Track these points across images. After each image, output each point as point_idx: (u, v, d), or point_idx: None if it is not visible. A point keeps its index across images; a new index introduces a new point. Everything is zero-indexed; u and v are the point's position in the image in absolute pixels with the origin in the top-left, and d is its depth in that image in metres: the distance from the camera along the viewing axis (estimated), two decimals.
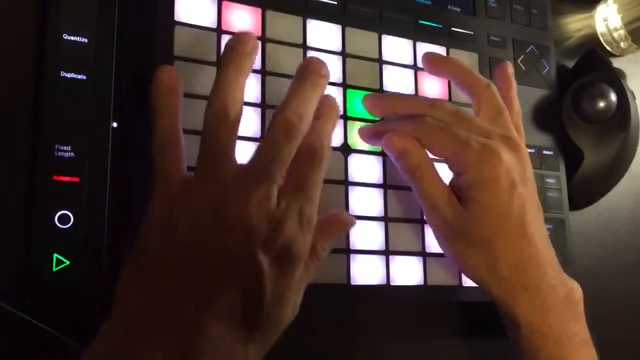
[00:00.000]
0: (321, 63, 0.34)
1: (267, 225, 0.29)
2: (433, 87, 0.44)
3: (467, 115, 0.38)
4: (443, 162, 0.38)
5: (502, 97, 0.41)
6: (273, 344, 0.30)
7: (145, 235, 0.30)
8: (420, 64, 0.43)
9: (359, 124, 0.40)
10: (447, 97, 0.44)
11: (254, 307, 0.29)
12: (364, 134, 0.39)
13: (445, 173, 0.38)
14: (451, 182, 0.38)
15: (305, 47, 0.40)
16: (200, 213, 0.29)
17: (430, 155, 0.38)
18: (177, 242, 0.29)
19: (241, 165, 0.31)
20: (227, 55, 0.32)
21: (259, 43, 0.33)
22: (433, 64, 0.42)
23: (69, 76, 0.32)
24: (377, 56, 0.42)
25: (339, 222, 0.35)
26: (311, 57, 0.35)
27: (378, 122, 0.40)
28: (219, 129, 0.31)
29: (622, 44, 0.55)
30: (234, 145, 0.31)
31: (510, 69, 0.43)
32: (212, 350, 0.27)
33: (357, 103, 0.40)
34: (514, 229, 0.36)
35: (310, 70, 0.33)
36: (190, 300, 0.28)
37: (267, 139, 0.31)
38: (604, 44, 0.56)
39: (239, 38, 0.33)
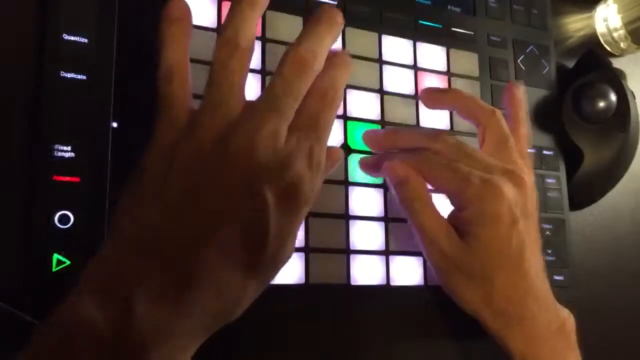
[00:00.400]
0: (336, 10, 0.33)
1: (275, 160, 0.28)
2: (433, 86, 0.44)
3: (468, 149, 0.37)
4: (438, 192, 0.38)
5: (510, 119, 0.41)
6: (270, 282, 0.30)
7: (145, 162, 0.29)
8: (420, 64, 0.43)
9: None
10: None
11: (256, 242, 0.28)
12: (365, 166, 0.39)
13: (442, 205, 0.38)
14: (450, 215, 0.38)
15: None
16: (203, 142, 0.28)
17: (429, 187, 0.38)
18: (177, 170, 0.28)
19: (250, 100, 0.30)
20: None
21: None
22: (433, 98, 0.41)
23: (69, 76, 0.32)
24: (377, 56, 0.42)
25: (332, 159, 0.34)
26: (326, 5, 0.34)
27: (380, 155, 0.40)
28: (231, 57, 0.30)
29: (622, 44, 0.55)
30: (245, 77, 0.30)
31: (519, 90, 0.42)
32: (210, 280, 0.26)
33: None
34: (512, 264, 0.36)
35: (326, 15, 0.32)
36: (188, 230, 0.27)
37: (278, 73, 0.30)
38: (604, 44, 0.56)
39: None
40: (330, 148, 0.33)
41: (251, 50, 0.31)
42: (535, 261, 0.37)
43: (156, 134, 0.29)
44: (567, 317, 0.38)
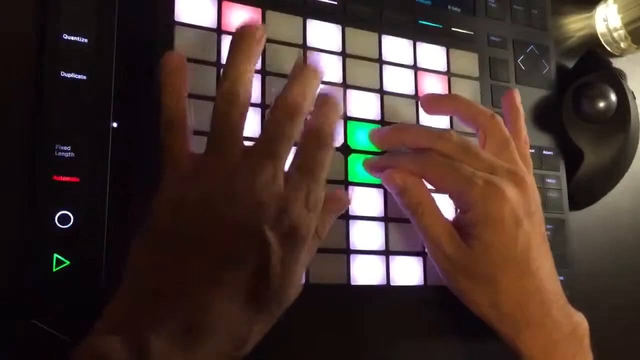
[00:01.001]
0: (318, 63, 0.35)
1: (274, 204, 0.30)
2: (433, 86, 0.44)
3: (473, 149, 0.37)
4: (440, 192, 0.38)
5: (509, 126, 0.41)
6: (275, 321, 0.31)
7: (155, 212, 0.30)
8: (420, 64, 0.43)
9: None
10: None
11: (261, 283, 0.29)
12: (369, 167, 0.39)
13: (447, 207, 0.38)
14: (455, 218, 0.38)
15: (305, 47, 0.40)
16: (209, 189, 0.29)
17: (430, 187, 0.38)
18: (186, 217, 0.29)
19: (248, 146, 0.31)
20: (237, 42, 0.33)
21: (265, 30, 0.34)
22: (433, 104, 0.41)
23: (69, 76, 0.32)
24: (377, 56, 0.42)
25: (338, 200, 0.36)
26: (309, 65, 0.35)
27: (384, 156, 0.40)
28: (231, 108, 0.31)
29: (622, 44, 0.55)
30: (243, 125, 0.32)
31: (517, 97, 0.42)
32: (219, 321, 0.27)
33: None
34: (518, 266, 0.36)
35: (308, 64, 0.34)
36: (198, 275, 0.28)
37: (271, 118, 0.32)
38: (604, 44, 0.56)
39: (247, 26, 0.33)
40: (339, 191, 0.36)
41: (248, 99, 0.32)
42: (543, 262, 0.37)
43: (163, 183, 0.31)
44: (580, 321, 0.38)
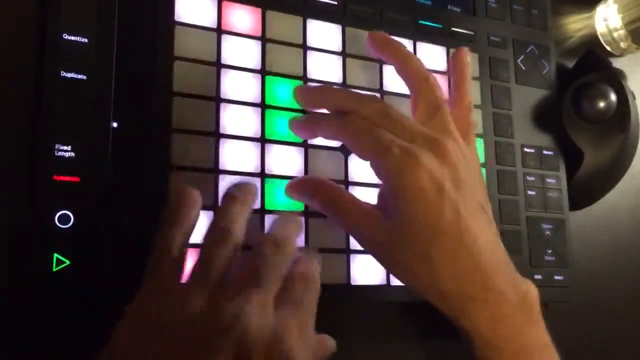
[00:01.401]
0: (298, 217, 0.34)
1: (266, 334, 0.27)
2: None
3: (394, 115, 0.35)
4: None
5: (452, 89, 0.39)
6: None
7: (125, 335, 0.27)
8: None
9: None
10: (447, 95, 0.44)
11: None
12: (294, 126, 0.38)
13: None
14: (377, 199, 0.37)
15: (305, 47, 0.40)
16: (192, 318, 0.27)
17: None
18: (165, 346, 0.26)
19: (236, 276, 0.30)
20: (231, 199, 0.32)
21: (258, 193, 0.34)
22: (376, 43, 0.40)
23: (69, 76, 0.32)
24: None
25: (323, 348, 0.32)
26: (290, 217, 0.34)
27: (307, 115, 0.38)
28: (223, 243, 0.30)
29: (622, 44, 0.55)
30: (231, 262, 0.30)
31: (467, 56, 0.40)
32: None
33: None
34: (450, 238, 0.33)
35: (291, 216, 0.34)
36: None
37: (257, 253, 0.30)
38: (604, 44, 0.56)
39: (242, 188, 0.33)
40: (323, 337, 0.32)
41: (240, 242, 0.31)
42: (480, 231, 0.34)
43: (139, 305, 0.28)
44: (529, 289, 0.35)
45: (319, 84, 0.39)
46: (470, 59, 0.41)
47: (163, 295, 0.28)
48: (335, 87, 0.39)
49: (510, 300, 0.34)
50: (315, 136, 0.38)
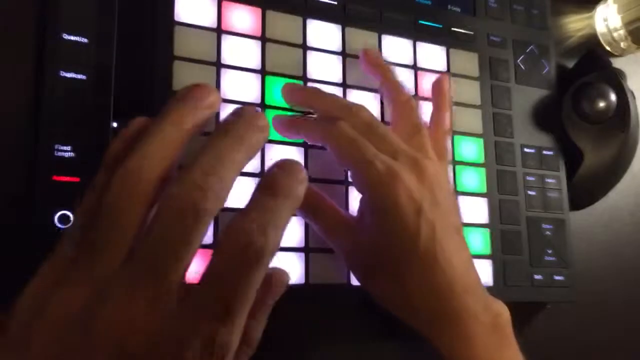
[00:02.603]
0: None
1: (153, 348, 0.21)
2: None
3: (381, 129, 0.36)
4: None
5: (434, 113, 0.40)
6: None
7: (15, 313, 0.22)
8: (420, 64, 0.43)
9: None
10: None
11: None
12: (278, 123, 0.37)
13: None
14: (358, 210, 0.37)
15: (305, 47, 0.40)
16: (67, 320, 0.21)
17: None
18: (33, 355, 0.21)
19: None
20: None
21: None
22: (367, 61, 0.41)
23: (69, 76, 0.32)
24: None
25: (274, 284, 0.28)
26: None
27: (292, 117, 0.38)
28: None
29: (622, 44, 0.55)
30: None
31: (447, 84, 0.41)
32: None
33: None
34: (424, 257, 0.33)
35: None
36: None
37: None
38: (604, 44, 0.56)
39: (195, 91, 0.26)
40: (275, 272, 0.28)
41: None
42: (454, 251, 0.34)
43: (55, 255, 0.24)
44: (501, 311, 0.35)
45: (308, 86, 0.39)
46: (449, 86, 0.42)
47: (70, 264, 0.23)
48: (324, 91, 0.38)
49: (483, 322, 0.34)
50: (298, 136, 0.38)
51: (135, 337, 0.21)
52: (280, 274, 0.29)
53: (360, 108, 0.37)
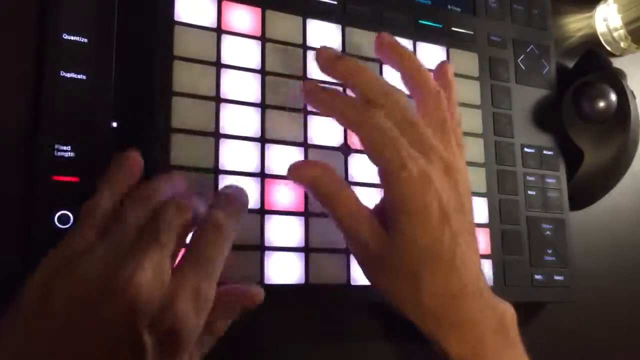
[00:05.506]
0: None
1: (157, 298, 0.27)
2: None
3: (414, 121, 0.34)
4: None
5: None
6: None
7: (24, 292, 0.27)
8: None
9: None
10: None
11: None
12: (311, 93, 0.36)
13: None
14: (377, 205, 0.36)
15: (305, 47, 0.40)
16: (84, 280, 0.26)
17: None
18: (51, 312, 0.26)
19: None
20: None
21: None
22: (385, 47, 0.37)
23: (69, 76, 0.32)
24: (377, 56, 0.42)
25: (246, 297, 0.33)
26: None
27: (327, 91, 0.35)
28: (134, 205, 0.30)
29: (622, 44, 0.55)
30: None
31: (451, 70, 0.39)
32: None
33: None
34: (443, 263, 0.33)
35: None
36: None
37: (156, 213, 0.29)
38: (604, 44, 0.56)
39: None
40: (249, 289, 0.33)
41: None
42: (468, 255, 0.34)
43: (44, 261, 0.28)
44: (506, 310, 0.35)
45: (348, 57, 0.36)
46: (452, 72, 0.39)
47: (65, 261, 0.27)
48: (365, 67, 0.36)
49: (491, 323, 0.34)
50: (322, 111, 0.36)
51: (146, 290, 0.26)
52: (256, 290, 0.33)
53: (400, 95, 0.35)
